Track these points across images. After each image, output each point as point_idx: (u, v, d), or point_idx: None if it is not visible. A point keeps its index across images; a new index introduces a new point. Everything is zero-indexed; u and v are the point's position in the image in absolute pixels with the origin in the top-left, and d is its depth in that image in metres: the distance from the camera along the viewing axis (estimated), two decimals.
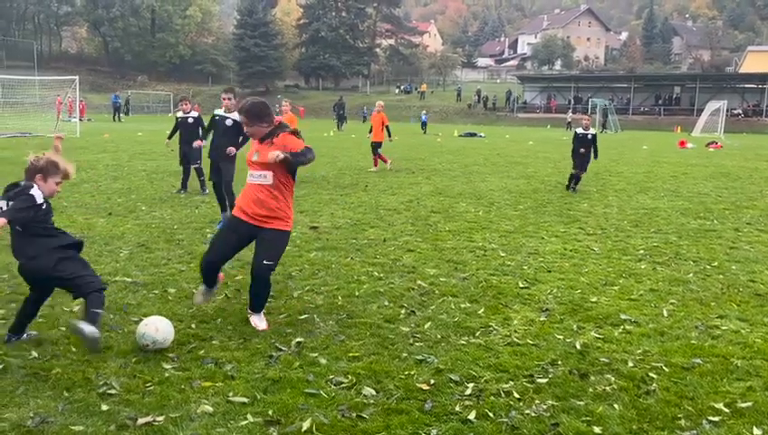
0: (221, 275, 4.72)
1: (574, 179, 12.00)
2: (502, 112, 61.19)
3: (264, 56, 71.35)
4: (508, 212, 9.51)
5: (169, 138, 11.24)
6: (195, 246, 6.75)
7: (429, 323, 4.58)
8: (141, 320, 4.06)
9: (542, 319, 4.72)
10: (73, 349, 3.91)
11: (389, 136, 15.42)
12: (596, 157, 12.27)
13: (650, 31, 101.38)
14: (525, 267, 6.23)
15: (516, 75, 73.33)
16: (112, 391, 3.37)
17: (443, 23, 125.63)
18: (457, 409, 3.29)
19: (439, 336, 4.32)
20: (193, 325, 4.39)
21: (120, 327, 4.28)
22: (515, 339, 4.29)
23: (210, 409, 3.22)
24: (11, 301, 4.74)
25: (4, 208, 3.62)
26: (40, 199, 3.70)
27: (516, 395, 3.45)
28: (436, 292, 5.34)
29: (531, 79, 69.90)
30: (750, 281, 5.89)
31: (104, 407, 3.20)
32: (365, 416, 3.19)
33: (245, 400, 3.33)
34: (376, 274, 5.86)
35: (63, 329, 4.23)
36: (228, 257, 4.56)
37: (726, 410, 3.32)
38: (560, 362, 3.91)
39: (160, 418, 3.11)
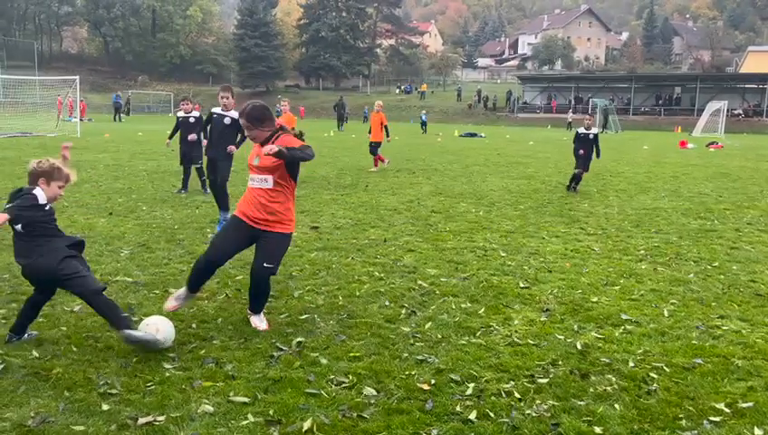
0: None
1: (575, 179, 12.00)
2: (502, 113, 61.19)
3: (264, 56, 71.39)
4: (509, 212, 9.51)
5: (170, 138, 11.26)
6: (196, 246, 6.75)
7: (430, 323, 4.58)
8: (142, 320, 4.06)
9: (542, 319, 4.71)
10: (74, 348, 3.91)
11: (387, 136, 15.44)
12: (598, 156, 12.28)
13: (651, 31, 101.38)
14: (526, 267, 6.23)
15: (517, 75, 73.32)
16: (113, 391, 3.37)
17: (443, 23, 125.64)
18: (458, 409, 3.29)
19: (440, 336, 4.32)
20: (194, 325, 4.39)
21: None
22: (516, 339, 4.29)
23: (211, 408, 3.22)
24: (11, 301, 4.75)
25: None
26: (43, 200, 3.72)
27: (517, 395, 3.45)
28: (437, 292, 5.34)
29: (531, 79, 69.89)
30: (751, 281, 5.89)
31: (105, 406, 3.20)
32: (366, 416, 3.19)
33: (246, 399, 3.33)
34: (377, 274, 5.86)
35: (64, 329, 4.24)
36: (230, 257, 4.51)
37: (727, 411, 3.32)
38: (560, 363, 3.91)
39: (161, 417, 3.11)
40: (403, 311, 4.83)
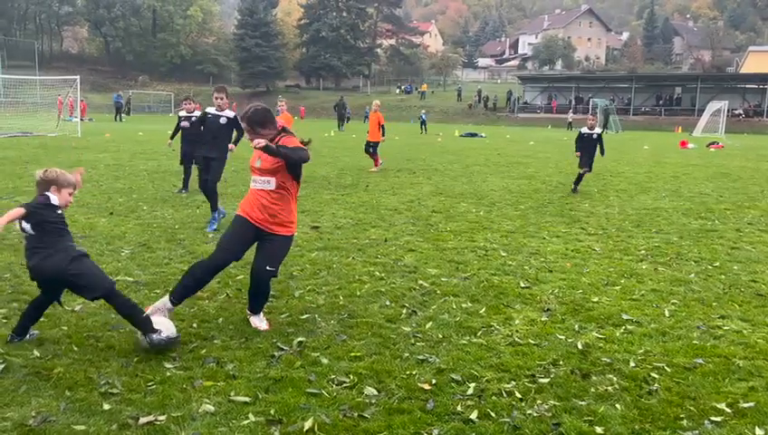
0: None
1: (580, 179, 12.01)
2: (502, 113, 61.20)
3: (264, 56, 71.44)
4: (509, 212, 9.51)
5: (172, 138, 11.26)
6: (196, 246, 6.76)
7: (431, 322, 4.58)
8: None
9: (543, 319, 4.71)
10: (75, 348, 3.91)
11: (383, 135, 15.47)
12: (603, 154, 12.34)
13: (651, 31, 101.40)
14: (527, 267, 6.22)
15: (517, 75, 73.33)
16: (114, 391, 3.37)
17: (443, 23, 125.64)
18: (459, 409, 3.29)
19: (441, 336, 4.31)
20: (194, 325, 4.39)
21: (122, 326, 4.27)
22: (517, 339, 4.29)
23: (212, 408, 3.22)
24: (13, 300, 4.74)
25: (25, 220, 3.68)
26: (56, 202, 3.76)
27: (518, 395, 3.45)
28: (438, 292, 5.34)
29: (531, 79, 69.90)
30: (752, 281, 5.89)
31: (106, 406, 3.20)
32: (367, 416, 3.19)
33: (247, 399, 3.33)
34: (377, 274, 5.86)
35: (65, 328, 4.24)
36: (239, 257, 4.40)
37: (728, 411, 3.32)
38: (561, 362, 3.91)
39: (162, 417, 3.11)
40: (404, 311, 4.83)
